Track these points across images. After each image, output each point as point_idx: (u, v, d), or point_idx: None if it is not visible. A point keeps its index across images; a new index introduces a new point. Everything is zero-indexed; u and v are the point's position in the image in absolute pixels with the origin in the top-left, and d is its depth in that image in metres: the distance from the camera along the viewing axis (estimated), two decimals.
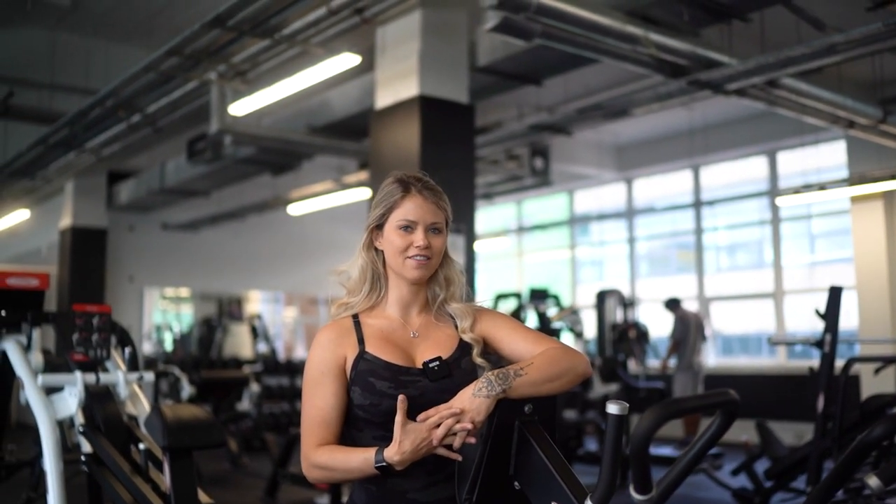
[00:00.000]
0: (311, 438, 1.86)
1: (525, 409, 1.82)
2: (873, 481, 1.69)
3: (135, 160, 11.66)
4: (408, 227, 1.91)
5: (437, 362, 1.90)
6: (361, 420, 1.87)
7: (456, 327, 1.98)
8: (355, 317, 1.97)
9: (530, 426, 1.81)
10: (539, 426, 1.84)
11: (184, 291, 14.57)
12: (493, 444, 1.79)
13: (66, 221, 12.31)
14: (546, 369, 1.82)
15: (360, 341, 1.90)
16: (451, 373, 1.89)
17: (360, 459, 1.78)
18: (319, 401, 1.87)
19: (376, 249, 1.98)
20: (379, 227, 1.96)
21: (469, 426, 1.72)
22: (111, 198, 12.62)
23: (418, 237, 1.90)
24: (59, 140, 9.01)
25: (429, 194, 1.94)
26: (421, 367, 1.89)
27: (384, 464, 1.74)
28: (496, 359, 1.99)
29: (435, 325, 1.98)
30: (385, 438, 1.82)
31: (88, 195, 12.24)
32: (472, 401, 1.73)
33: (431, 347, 1.93)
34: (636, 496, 1.60)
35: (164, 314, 14.52)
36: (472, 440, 1.75)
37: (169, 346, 13.62)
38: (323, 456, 1.83)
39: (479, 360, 1.94)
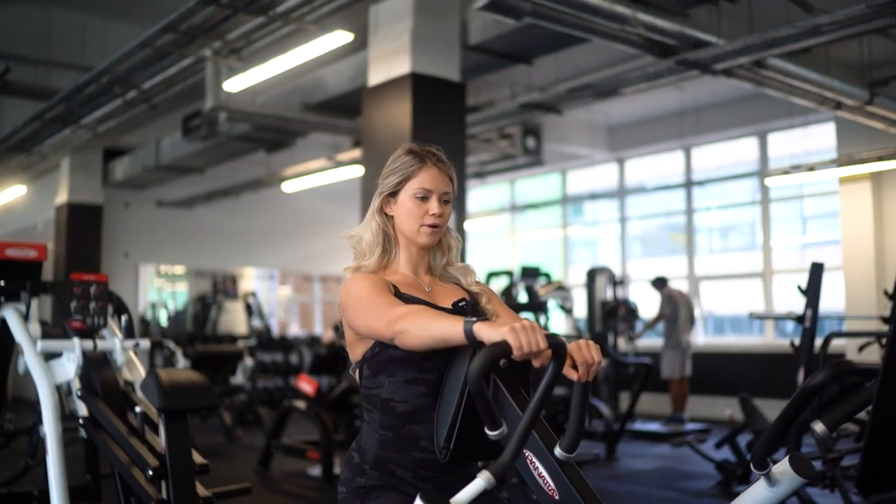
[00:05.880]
0: (391, 308, 1.86)
1: (500, 364, 1.93)
2: (819, 427, 1.81)
3: (130, 137, 11.73)
4: (424, 197, 2.04)
5: (464, 302, 2.06)
6: (396, 362, 1.95)
7: (458, 285, 2.14)
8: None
9: (505, 379, 1.93)
10: (513, 379, 1.95)
11: (178, 268, 14.64)
12: (470, 396, 1.90)
13: (61, 197, 12.39)
14: None
15: (392, 286, 2.01)
16: (479, 312, 2.04)
17: (448, 324, 1.74)
18: (386, 296, 1.93)
19: (386, 214, 2.10)
20: (392, 194, 2.07)
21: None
22: (107, 174, 12.69)
23: (433, 206, 2.03)
24: (56, 116, 9.08)
25: (442, 166, 2.07)
26: (451, 307, 2.03)
27: (471, 330, 1.67)
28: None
29: (441, 284, 2.13)
30: (417, 381, 1.94)
31: (84, 171, 12.31)
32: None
33: (447, 298, 2.07)
34: (490, 433, 1.76)
35: (160, 292, 14.59)
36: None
37: (164, 323, 13.72)
38: (412, 316, 1.80)
39: (489, 307, 2.10)
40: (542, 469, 1.84)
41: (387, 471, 1.97)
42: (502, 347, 1.63)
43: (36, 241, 4.23)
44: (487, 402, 1.74)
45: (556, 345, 1.66)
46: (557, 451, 1.82)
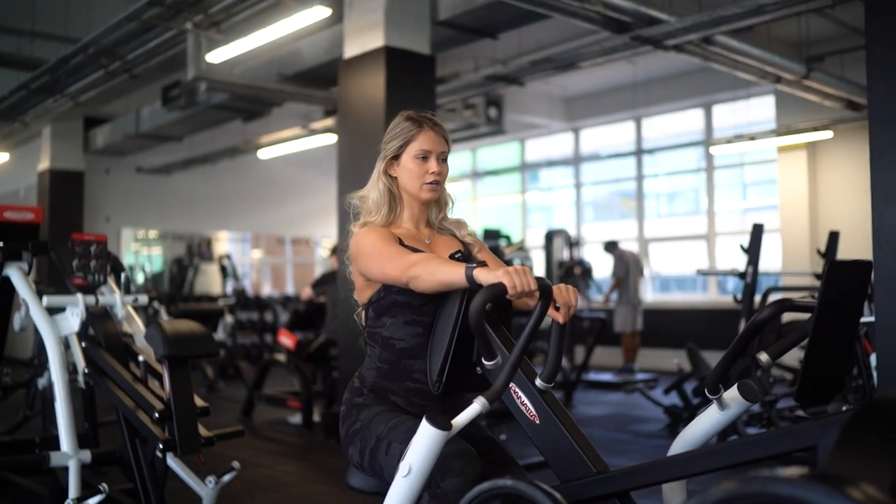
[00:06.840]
0: (404, 257, 2.00)
1: (487, 307, 2.08)
2: (763, 356, 1.99)
3: (111, 106, 11.61)
4: (423, 157, 2.18)
5: (459, 254, 2.22)
6: (398, 305, 2.11)
7: (454, 236, 2.31)
8: None
9: (490, 321, 2.08)
10: (498, 321, 2.11)
11: (153, 233, 14.58)
12: (460, 334, 2.05)
13: (44, 164, 12.25)
14: None
15: (397, 239, 2.16)
16: (472, 261, 2.20)
17: (453, 270, 1.88)
18: (396, 246, 2.09)
19: (390, 176, 2.23)
20: (395, 157, 2.21)
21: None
22: (87, 142, 12.56)
23: (433, 165, 2.18)
24: (41, 86, 8.98)
25: (438, 129, 2.22)
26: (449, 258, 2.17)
27: (472, 275, 1.82)
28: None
29: (439, 236, 2.30)
30: (415, 322, 2.10)
31: (65, 139, 12.17)
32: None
33: (445, 248, 2.24)
34: (486, 363, 1.96)
35: (137, 255, 14.53)
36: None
37: (140, 284, 13.67)
38: (423, 263, 1.94)
39: (480, 257, 2.27)
40: (524, 398, 2.00)
41: (382, 396, 2.14)
42: (499, 288, 1.78)
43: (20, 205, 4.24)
44: (485, 335, 1.90)
45: (544, 286, 1.81)
46: (538, 381, 1.98)
